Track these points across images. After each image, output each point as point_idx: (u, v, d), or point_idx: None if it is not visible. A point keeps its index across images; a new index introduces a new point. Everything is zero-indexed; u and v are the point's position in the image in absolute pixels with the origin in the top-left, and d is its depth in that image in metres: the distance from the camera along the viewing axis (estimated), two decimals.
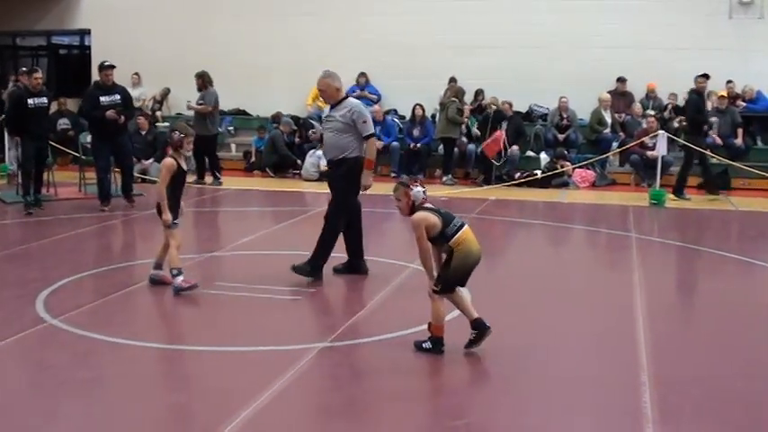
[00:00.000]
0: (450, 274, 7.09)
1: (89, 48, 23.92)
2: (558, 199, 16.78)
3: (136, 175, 16.58)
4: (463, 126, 19.08)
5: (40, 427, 5.73)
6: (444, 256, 7.14)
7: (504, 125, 18.56)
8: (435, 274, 7.16)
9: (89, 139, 16.75)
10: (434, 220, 7.05)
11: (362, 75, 20.96)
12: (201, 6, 22.16)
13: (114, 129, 14.34)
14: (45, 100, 14.20)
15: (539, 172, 18.28)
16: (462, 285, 7.24)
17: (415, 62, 20.63)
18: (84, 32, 24.31)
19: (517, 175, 18.15)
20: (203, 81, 18.31)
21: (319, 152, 18.80)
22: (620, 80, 19.97)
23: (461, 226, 7.12)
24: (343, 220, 9.65)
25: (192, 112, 18.42)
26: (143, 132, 19.07)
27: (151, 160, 18.41)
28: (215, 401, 6.14)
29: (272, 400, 6.10)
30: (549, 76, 19.89)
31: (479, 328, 7.17)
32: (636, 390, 6.38)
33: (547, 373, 6.84)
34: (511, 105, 19.04)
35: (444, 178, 18.70)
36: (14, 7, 23.37)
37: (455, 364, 7.08)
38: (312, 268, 9.46)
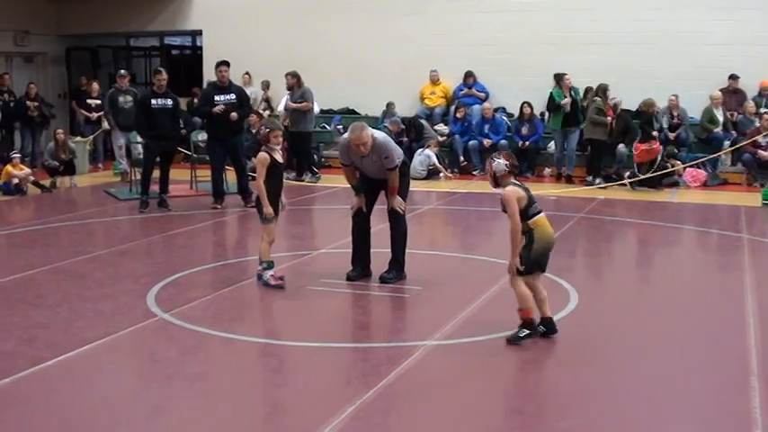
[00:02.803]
0: (533, 254, 7.30)
1: (201, 48, 24.33)
2: (668, 199, 16.48)
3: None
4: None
5: (146, 417, 5.87)
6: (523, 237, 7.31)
7: (657, 134, 17.91)
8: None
9: (200, 137, 17.08)
10: (523, 193, 7.31)
11: (470, 74, 20.80)
12: (308, 6, 22.29)
13: (228, 129, 14.53)
14: (169, 102, 14.36)
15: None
16: (542, 270, 7.50)
17: (519, 59, 20.41)
18: (196, 33, 24.76)
19: (627, 174, 17.86)
20: (298, 80, 18.48)
21: (428, 151, 18.87)
22: (733, 77, 19.43)
23: (540, 211, 7.41)
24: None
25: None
26: (254, 131, 19.29)
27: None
28: (319, 397, 6.21)
29: (377, 398, 6.13)
30: (658, 74, 19.44)
31: (549, 327, 7.43)
32: (745, 394, 6.26)
33: (655, 374, 6.75)
34: (618, 104, 18.65)
35: (592, 178, 17.99)
36: (128, 8, 23.89)
37: (560, 362, 7.06)
38: (399, 273, 9.50)
